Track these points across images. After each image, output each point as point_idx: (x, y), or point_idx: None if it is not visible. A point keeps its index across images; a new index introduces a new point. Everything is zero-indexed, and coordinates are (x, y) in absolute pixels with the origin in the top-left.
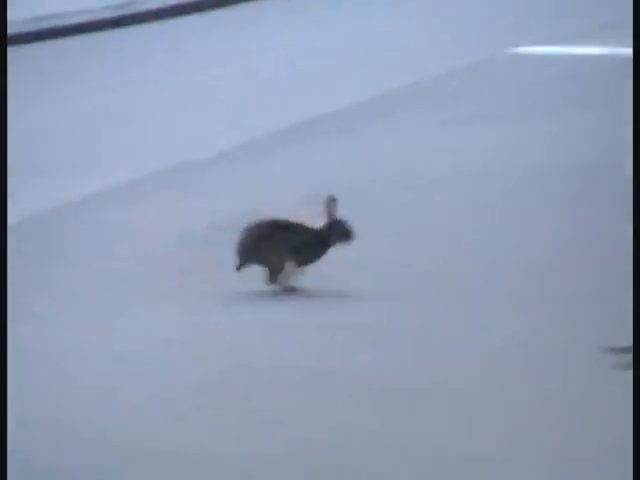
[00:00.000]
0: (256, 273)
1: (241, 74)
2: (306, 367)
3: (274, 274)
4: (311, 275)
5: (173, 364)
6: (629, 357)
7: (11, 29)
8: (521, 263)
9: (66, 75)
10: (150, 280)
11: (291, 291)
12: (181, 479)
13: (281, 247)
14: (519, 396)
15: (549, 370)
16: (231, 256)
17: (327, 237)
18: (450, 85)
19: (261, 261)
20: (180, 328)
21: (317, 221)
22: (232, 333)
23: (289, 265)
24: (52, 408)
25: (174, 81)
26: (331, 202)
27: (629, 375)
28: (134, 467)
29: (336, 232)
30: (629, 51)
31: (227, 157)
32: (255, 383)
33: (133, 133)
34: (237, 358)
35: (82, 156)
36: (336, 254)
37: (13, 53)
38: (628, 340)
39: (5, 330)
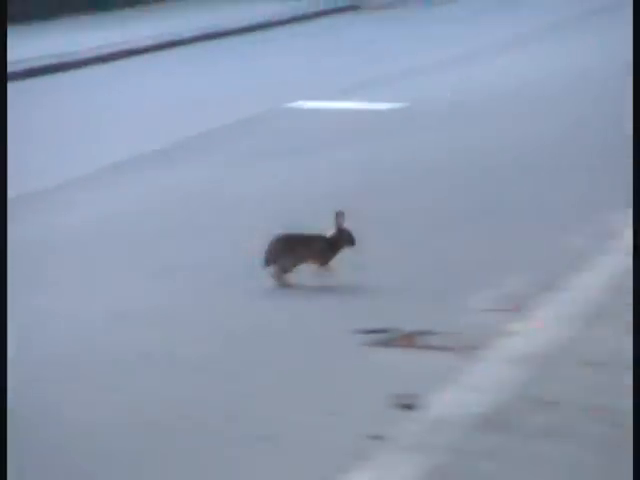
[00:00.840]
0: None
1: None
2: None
3: (284, 272)
4: None
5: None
6: (376, 337)
7: None
8: None
9: None
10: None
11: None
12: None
13: (303, 252)
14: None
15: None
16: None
17: (337, 242)
18: (237, 131)
19: (281, 261)
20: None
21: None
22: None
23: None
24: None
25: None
26: (340, 215)
27: (376, 350)
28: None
29: (344, 239)
30: (380, 105)
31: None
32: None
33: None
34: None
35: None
36: None
37: None
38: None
39: (5, 324)
